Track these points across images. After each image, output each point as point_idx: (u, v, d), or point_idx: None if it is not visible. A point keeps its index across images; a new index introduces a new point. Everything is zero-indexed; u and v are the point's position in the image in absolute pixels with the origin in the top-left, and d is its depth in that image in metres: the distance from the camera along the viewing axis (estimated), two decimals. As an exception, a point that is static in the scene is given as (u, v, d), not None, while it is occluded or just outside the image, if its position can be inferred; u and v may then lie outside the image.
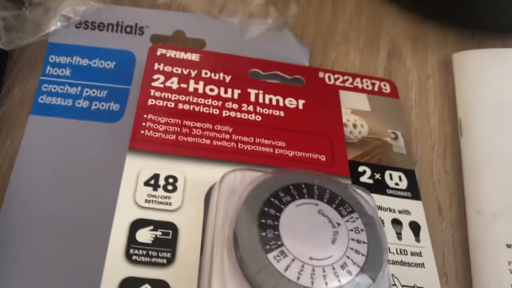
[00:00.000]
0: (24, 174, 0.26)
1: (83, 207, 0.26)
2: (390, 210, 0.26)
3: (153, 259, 0.21)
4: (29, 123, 0.28)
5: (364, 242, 0.20)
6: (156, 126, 0.25)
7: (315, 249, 0.19)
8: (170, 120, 0.26)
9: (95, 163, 0.27)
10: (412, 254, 0.25)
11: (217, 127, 0.26)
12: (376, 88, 0.31)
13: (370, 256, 0.20)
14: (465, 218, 0.28)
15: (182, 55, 0.29)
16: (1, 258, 0.24)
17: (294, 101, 0.29)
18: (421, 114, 0.32)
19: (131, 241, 0.21)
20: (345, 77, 0.31)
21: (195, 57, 0.29)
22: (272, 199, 0.20)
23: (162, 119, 0.25)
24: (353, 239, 0.20)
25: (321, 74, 0.31)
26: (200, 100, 0.27)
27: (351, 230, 0.20)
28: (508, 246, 0.26)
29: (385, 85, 0.31)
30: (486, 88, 0.32)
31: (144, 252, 0.21)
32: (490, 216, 0.27)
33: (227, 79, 0.28)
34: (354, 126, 0.29)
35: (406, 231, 0.25)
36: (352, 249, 0.20)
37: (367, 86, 0.31)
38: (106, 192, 0.25)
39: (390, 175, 0.27)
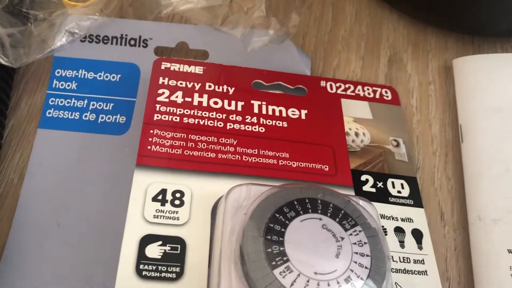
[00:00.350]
0: (34, 187, 0.27)
1: (92, 218, 0.26)
2: (393, 218, 0.26)
3: (163, 274, 0.21)
4: (37, 137, 0.29)
5: (367, 255, 0.21)
6: (162, 141, 0.26)
7: (320, 264, 0.20)
8: (176, 135, 0.26)
9: (104, 175, 0.27)
10: (415, 261, 0.25)
11: (221, 140, 0.26)
12: (377, 96, 0.31)
13: (373, 269, 0.20)
14: (467, 224, 0.28)
15: (186, 68, 0.29)
16: (13, 269, 0.24)
17: (297, 111, 0.29)
18: (422, 121, 0.32)
19: (141, 256, 0.22)
20: (347, 85, 0.31)
21: (198, 69, 0.29)
22: (277, 215, 0.21)
23: (168, 134, 0.26)
24: (356, 253, 0.21)
25: (323, 83, 0.31)
26: (205, 114, 0.27)
27: (355, 243, 0.21)
28: (509, 251, 0.26)
29: (386, 92, 0.32)
30: (486, 94, 0.32)
31: (154, 267, 0.22)
32: (491, 222, 0.27)
33: (231, 91, 0.29)
34: (356, 134, 0.29)
35: (409, 239, 0.26)
36: (355, 262, 0.20)
37: (369, 93, 0.31)
38: (115, 203, 0.26)
39: (393, 183, 0.28)
